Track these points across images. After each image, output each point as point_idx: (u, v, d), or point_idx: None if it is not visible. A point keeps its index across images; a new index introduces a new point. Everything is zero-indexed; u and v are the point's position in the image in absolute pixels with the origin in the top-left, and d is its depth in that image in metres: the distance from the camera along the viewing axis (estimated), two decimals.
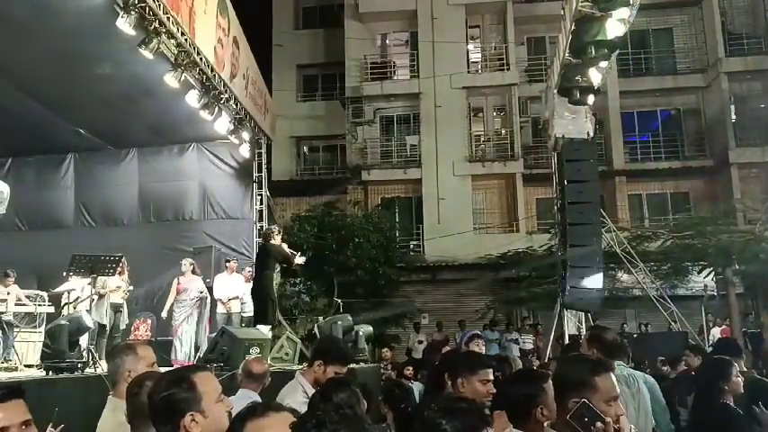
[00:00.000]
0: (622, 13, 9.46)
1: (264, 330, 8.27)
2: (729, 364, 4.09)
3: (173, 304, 9.95)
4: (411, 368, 9.34)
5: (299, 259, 9.25)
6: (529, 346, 16.40)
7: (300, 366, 8.26)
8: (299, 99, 25.48)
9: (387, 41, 25.05)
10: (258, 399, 3.83)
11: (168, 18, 7.86)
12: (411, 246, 22.20)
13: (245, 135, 12.05)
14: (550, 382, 2.49)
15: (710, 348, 11.71)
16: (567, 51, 10.58)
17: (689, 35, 24.16)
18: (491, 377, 3.20)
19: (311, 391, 3.68)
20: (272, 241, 8.86)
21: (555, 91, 12.04)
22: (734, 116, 22.73)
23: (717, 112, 22.78)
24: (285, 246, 9.07)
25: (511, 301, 19.70)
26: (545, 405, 2.51)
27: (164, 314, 10.09)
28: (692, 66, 23.93)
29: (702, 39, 23.68)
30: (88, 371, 6.67)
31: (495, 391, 3.11)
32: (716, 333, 16.06)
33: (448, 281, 21.22)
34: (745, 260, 16.78)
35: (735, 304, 16.96)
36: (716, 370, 4.09)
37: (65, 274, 8.41)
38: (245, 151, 12.42)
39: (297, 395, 3.70)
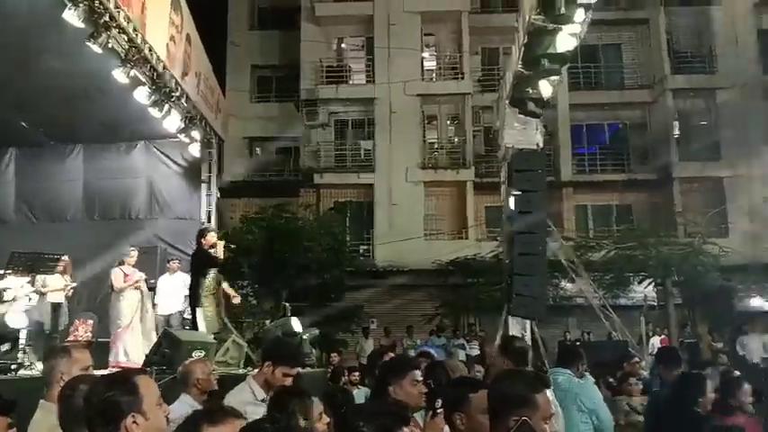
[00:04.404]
0: (573, 27, 9.66)
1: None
2: (705, 380, 4.22)
3: (119, 299, 9.26)
4: (357, 373, 9.33)
5: (235, 299, 9.29)
6: (475, 351, 16.58)
7: (246, 370, 8.18)
8: (253, 100, 25.26)
9: (343, 45, 25.06)
10: (198, 406, 3.78)
11: (119, 12, 7.70)
12: (361, 250, 22.22)
13: (196, 134, 11.88)
14: (482, 392, 2.52)
15: (651, 357, 12.07)
16: (520, 63, 10.75)
17: (637, 52, 24.90)
18: (419, 378, 3.25)
19: (260, 392, 3.69)
20: (203, 240, 8.71)
21: (507, 101, 12.21)
22: (677, 132, 23.52)
23: (661, 127, 23.53)
24: (220, 247, 8.84)
25: (458, 308, 19.90)
26: (465, 414, 2.56)
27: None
28: (640, 81, 24.65)
29: (650, 56, 24.44)
30: (23, 372, 6.46)
31: (425, 390, 3.18)
32: (655, 342, 16.54)
33: (397, 286, 21.27)
34: (684, 272, 17.38)
35: (673, 315, 17.55)
36: (693, 385, 4.20)
37: (2, 272, 8.13)
38: (195, 150, 12.24)
39: (243, 395, 3.72)
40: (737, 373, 5.55)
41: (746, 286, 19.38)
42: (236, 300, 9.48)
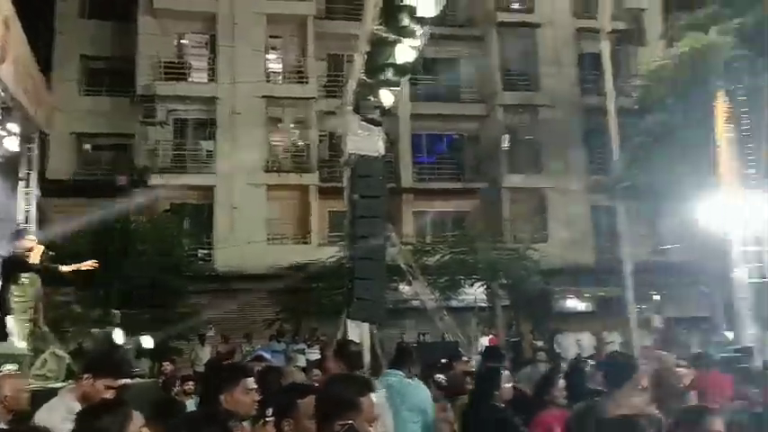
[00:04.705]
0: (413, 40, 10.06)
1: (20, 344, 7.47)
2: (499, 374, 4.52)
3: None
4: (192, 382, 8.98)
5: (85, 266, 8.60)
6: (316, 356, 16.59)
7: (66, 384, 7.59)
8: (82, 93, 23.50)
9: (183, 41, 24.13)
10: (2, 426, 3.44)
11: None
12: (200, 255, 21.49)
13: (13, 127, 10.83)
14: (310, 397, 2.54)
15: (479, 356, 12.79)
16: (362, 71, 10.99)
17: (473, 67, 26.37)
18: (253, 386, 3.21)
19: (77, 407, 3.41)
20: (18, 243, 8.07)
21: (349, 108, 12.43)
22: (507, 144, 25.20)
23: (493, 139, 25.07)
24: (38, 251, 8.21)
25: (299, 312, 19.86)
26: (294, 419, 2.57)
27: None
28: (475, 96, 26.14)
29: (484, 72, 25.96)
30: None
31: (258, 398, 3.14)
32: (484, 342, 17.53)
33: (237, 291, 20.81)
34: (510, 275, 18.67)
35: (500, 315, 18.77)
36: (489, 379, 4.49)
37: None
38: (12, 145, 11.13)
39: (54, 413, 3.42)
40: (565, 369, 6.03)
41: (563, 289, 21.25)
42: (87, 265, 8.73)
